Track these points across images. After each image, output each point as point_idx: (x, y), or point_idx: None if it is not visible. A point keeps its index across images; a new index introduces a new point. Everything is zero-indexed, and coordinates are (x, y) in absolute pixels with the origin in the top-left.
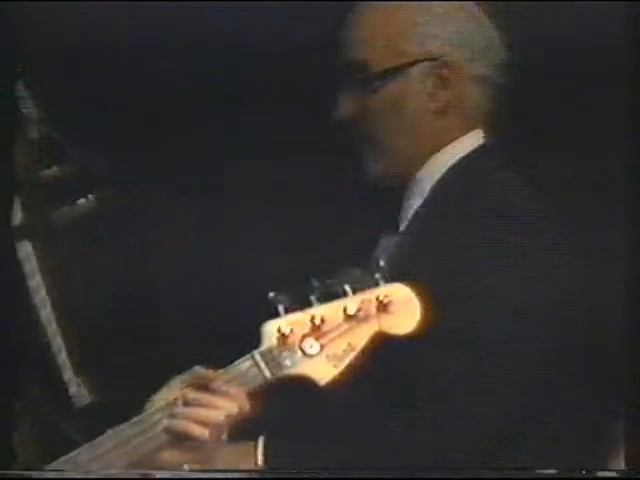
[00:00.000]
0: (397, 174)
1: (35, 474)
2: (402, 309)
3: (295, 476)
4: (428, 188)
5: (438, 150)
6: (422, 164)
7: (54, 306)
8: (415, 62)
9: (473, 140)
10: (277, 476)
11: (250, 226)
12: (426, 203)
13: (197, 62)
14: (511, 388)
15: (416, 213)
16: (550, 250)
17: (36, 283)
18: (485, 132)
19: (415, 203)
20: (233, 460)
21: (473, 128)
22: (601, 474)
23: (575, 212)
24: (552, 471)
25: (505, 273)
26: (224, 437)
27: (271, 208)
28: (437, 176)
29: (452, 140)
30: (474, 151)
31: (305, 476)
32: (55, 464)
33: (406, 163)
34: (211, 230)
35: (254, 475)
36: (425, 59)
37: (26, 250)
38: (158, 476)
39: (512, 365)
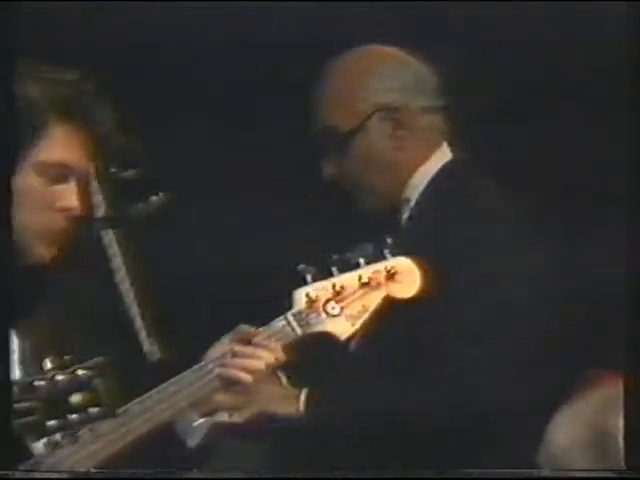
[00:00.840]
0: (387, 203)
1: (38, 474)
2: (406, 278)
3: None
4: (413, 203)
5: (413, 173)
6: (404, 188)
7: (131, 282)
8: (371, 115)
9: (441, 156)
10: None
11: (284, 213)
12: (411, 214)
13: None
14: (503, 342)
15: (406, 220)
16: (520, 243)
17: (117, 264)
18: (450, 147)
19: (405, 215)
20: (276, 403)
21: (438, 147)
22: (601, 474)
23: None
24: (551, 471)
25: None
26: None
27: (300, 200)
28: (419, 191)
29: (423, 162)
30: (444, 166)
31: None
32: (130, 404)
33: (391, 192)
34: (252, 217)
35: (254, 475)
36: (377, 110)
37: (109, 237)
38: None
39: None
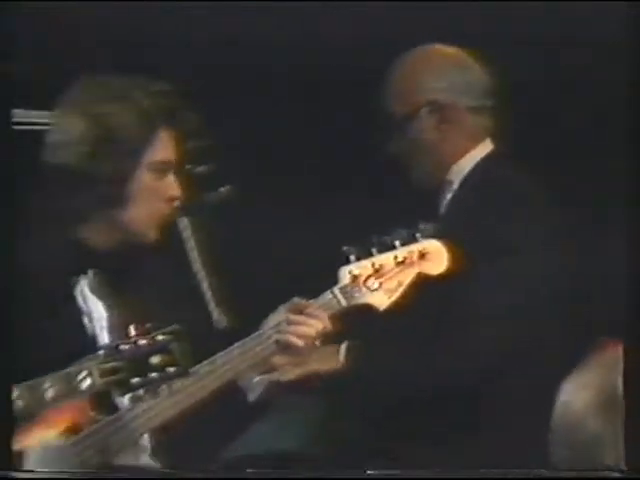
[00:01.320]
0: (433, 183)
1: (38, 474)
2: (435, 258)
3: None
4: (456, 186)
5: (458, 160)
6: (448, 172)
7: (203, 261)
8: (421, 108)
9: (484, 148)
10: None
11: (332, 204)
12: (455, 195)
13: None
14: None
15: (449, 201)
16: (550, 229)
17: (191, 245)
18: (492, 141)
19: (448, 196)
20: (321, 360)
21: (482, 140)
22: (601, 474)
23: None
24: (550, 472)
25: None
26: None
27: (346, 193)
28: (461, 176)
29: (467, 152)
30: (485, 156)
31: None
32: (201, 365)
33: (436, 174)
34: (306, 207)
35: (255, 475)
36: (427, 105)
37: (184, 223)
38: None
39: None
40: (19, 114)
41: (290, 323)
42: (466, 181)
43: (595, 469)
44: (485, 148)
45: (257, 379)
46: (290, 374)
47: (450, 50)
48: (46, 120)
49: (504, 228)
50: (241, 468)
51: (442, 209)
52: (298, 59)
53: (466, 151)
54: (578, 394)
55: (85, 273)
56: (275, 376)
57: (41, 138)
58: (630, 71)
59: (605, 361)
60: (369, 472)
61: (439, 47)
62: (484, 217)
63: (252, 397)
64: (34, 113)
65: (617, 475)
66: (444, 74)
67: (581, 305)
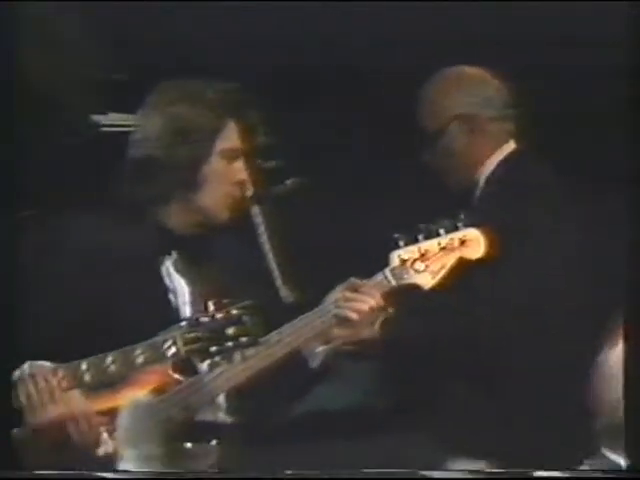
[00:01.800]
0: (463, 184)
1: (38, 475)
2: (474, 244)
3: None
4: (482, 184)
5: (485, 161)
6: (476, 173)
7: (272, 244)
8: (451, 122)
9: (506, 148)
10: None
11: (385, 199)
12: (482, 191)
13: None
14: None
15: (478, 197)
16: (567, 221)
17: (261, 231)
18: (515, 142)
19: (477, 192)
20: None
21: (505, 142)
22: (601, 474)
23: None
24: (552, 472)
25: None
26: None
27: (395, 188)
28: (486, 174)
29: (492, 153)
30: (508, 155)
31: None
32: (270, 335)
33: (466, 176)
34: (362, 199)
35: (261, 476)
36: (455, 118)
37: (256, 211)
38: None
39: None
40: (106, 118)
41: (347, 299)
42: (490, 178)
43: (595, 469)
44: (505, 150)
45: (319, 348)
46: (347, 344)
47: (472, 70)
48: (129, 122)
49: (526, 214)
50: (304, 423)
51: (474, 203)
52: (358, 60)
53: (490, 154)
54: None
55: (169, 254)
56: (334, 345)
57: (125, 137)
58: (630, 71)
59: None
60: (366, 470)
61: (463, 68)
62: (508, 206)
63: (314, 364)
64: (118, 116)
65: (617, 475)
66: (468, 91)
67: (596, 280)
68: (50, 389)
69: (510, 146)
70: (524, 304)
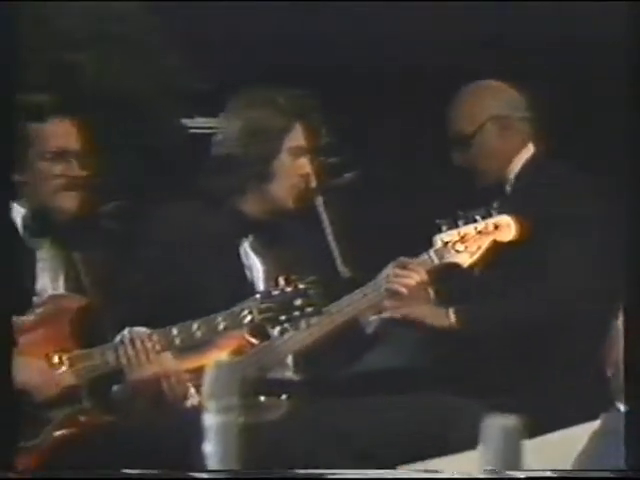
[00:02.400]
0: (495, 180)
1: (39, 475)
2: (506, 228)
3: None
4: (512, 178)
5: (512, 159)
6: (506, 169)
7: (333, 228)
8: (485, 123)
9: (528, 150)
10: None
11: (430, 190)
12: (512, 186)
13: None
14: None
15: (509, 190)
16: (586, 218)
17: (324, 217)
18: (534, 144)
19: (507, 188)
20: (429, 317)
21: (527, 143)
22: (601, 474)
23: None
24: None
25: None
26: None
27: (439, 181)
28: (514, 172)
29: (517, 153)
30: (532, 155)
31: None
32: (331, 306)
33: (498, 172)
34: (412, 192)
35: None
36: (488, 120)
37: (319, 200)
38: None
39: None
40: (193, 121)
41: (396, 275)
42: (520, 175)
43: (595, 469)
44: (529, 150)
45: (372, 317)
46: (396, 314)
47: (496, 82)
48: (212, 125)
49: (550, 205)
50: (358, 380)
51: (505, 195)
52: (410, 61)
53: (517, 153)
54: None
55: (247, 237)
56: (385, 315)
57: (209, 138)
58: (630, 71)
59: None
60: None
61: (489, 81)
62: (538, 198)
63: (368, 330)
64: (203, 120)
65: (617, 475)
66: (498, 95)
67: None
68: (146, 351)
69: (530, 149)
70: (555, 286)
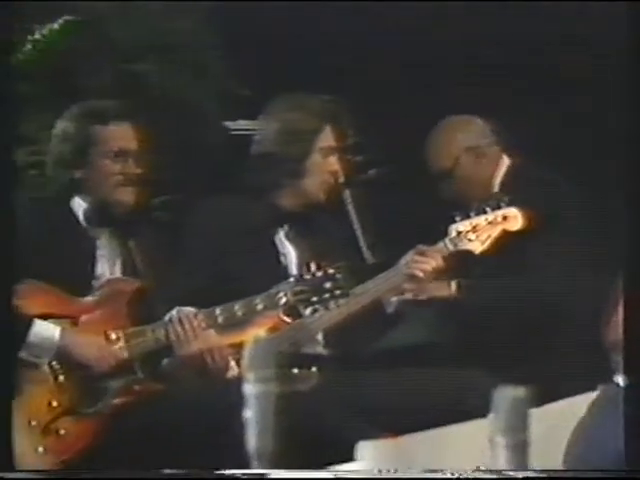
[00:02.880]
0: (484, 194)
1: (39, 475)
2: (513, 219)
3: None
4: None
5: (493, 174)
6: (490, 186)
7: (359, 219)
8: (460, 156)
9: (504, 163)
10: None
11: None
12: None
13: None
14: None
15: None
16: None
17: (351, 209)
18: (507, 156)
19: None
20: (439, 290)
21: (501, 158)
22: (601, 474)
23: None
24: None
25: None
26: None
27: None
28: (498, 182)
29: (496, 168)
30: (506, 169)
31: None
32: (357, 288)
33: (484, 187)
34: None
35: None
36: (465, 150)
37: (347, 194)
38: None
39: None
40: (235, 124)
41: (415, 261)
42: (502, 183)
43: (595, 469)
44: (504, 162)
45: (394, 298)
46: (415, 297)
47: (466, 117)
48: (252, 127)
49: (534, 201)
50: (381, 355)
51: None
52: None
53: (494, 171)
54: None
55: (282, 227)
56: (405, 297)
57: (249, 138)
58: (630, 71)
59: None
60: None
61: (453, 117)
62: (521, 196)
63: (390, 310)
64: (244, 122)
65: (617, 475)
66: (468, 129)
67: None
68: (192, 329)
69: (505, 160)
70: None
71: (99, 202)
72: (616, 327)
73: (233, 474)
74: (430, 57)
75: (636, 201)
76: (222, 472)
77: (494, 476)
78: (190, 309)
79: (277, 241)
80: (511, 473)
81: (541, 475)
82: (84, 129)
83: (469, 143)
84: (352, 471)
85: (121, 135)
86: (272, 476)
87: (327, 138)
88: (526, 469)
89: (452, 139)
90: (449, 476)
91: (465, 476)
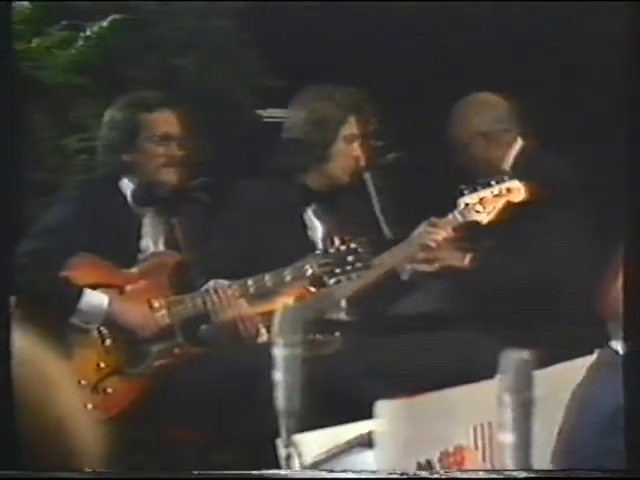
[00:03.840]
0: (496, 171)
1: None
2: (516, 191)
3: None
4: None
5: (505, 155)
6: (501, 165)
7: (378, 198)
8: (474, 136)
9: (518, 143)
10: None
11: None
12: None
13: None
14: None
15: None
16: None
17: (371, 190)
18: (522, 139)
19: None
20: (455, 259)
21: (515, 142)
22: (601, 474)
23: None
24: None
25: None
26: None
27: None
28: (509, 165)
29: (507, 152)
30: (520, 149)
31: None
32: (375, 259)
33: (496, 166)
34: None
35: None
36: (475, 135)
37: (367, 176)
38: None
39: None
40: (266, 112)
41: (427, 232)
42: (513, 165)
43: (595, 469)
44: (517, 145)
45: (408, 267)
46: (427, 265)
47: (486, 96)
48: (282, 115)
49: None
50: (397, 321)
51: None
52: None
53: (506, 153)
54: None
55: (309, 205)
56: (418, 265)
57: (279, 125)
58: (630, 71)
59: None
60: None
61: (476, 95)
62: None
63: (405, 278)
64: (274, 110)
65: (617, 475)
66: (484, 112)
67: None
68: (227, 298)
69: (519, 143)
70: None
71: (145, 183)
72: (616, 296)
73: (239, 474)
74: (445, 48)
75: (636, 174)
76: (228, 473)
77: (494, 476)
78: (225, 281)
79: (305, 218)
80: (512, 473)
81: (541, 475)
82: (131, 117)
83: (484, 128)
84: (352, 471)
85: (164, 121)
86: (272, 476)
87: (350, 127)
88: (528, 467)
89: (469, 121)
90: (449, 475)
91: (465, 476)
